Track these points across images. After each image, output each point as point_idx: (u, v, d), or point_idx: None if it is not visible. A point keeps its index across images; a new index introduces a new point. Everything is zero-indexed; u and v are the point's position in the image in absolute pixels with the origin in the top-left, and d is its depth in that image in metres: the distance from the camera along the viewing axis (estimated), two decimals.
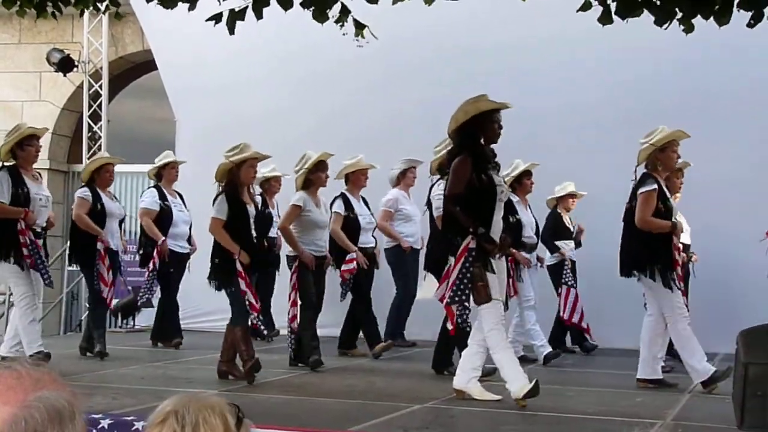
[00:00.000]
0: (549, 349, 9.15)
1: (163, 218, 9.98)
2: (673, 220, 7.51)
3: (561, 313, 9.87)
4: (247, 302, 7.59)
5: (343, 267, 9.31)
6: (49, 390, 1.59)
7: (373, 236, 9.83)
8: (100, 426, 5.19)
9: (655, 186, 7.38)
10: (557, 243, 10.00)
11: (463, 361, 6.83)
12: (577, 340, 10.36)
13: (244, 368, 7.68)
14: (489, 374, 7.12)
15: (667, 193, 7.58)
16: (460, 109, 6.74)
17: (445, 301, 6.65)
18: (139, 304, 10.02)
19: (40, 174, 8.72)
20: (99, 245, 8.94)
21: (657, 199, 7.37)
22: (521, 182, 9.20)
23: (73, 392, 1.64)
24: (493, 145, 6.84)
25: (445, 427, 5.87)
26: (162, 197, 10.07)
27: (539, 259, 9.51)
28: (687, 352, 7.38)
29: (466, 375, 6.75)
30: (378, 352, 9.46)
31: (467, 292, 6.50)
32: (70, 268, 12.37)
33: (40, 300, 8.76)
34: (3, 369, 1.60)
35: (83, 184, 9.41)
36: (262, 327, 8.28)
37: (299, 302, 8.53)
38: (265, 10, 6.85)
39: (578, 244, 10.16)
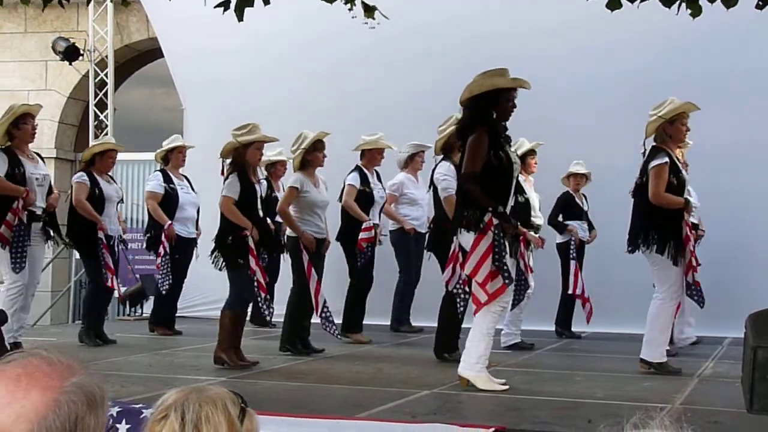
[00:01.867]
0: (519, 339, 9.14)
1: (169, 202, 9.93)
2: (686, 194, 7.43)
3: (571, 290, 9.79)
4: (255, 282, 7.53)
5: (361, 235, 9.35)
6: (80, 376, 1.63)
7: (379, 214, 9.84)
8: (108, 413, 5.20)
9: (667, 159, 7.24)
10: (567, 222, 10.00)
11: (467, 350, 6.76)
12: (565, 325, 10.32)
13: (217, 352, 7.70)
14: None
15: (679, 166, 7.45)
16: (476, 82, 6.64)
17: (478, 279, 6.47)
18: (164, 292, 9.96)
19: (38, 154, 8.64)
20: (100, 234, 8.94)
21: (669, 173, 7.24)
22: (525, 161, 9.13)
23: (101, 377, 1.69)
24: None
25: (453, 412, 5.87)
26: (167, 180, 10.03)
27: (541, 240, 9.42)
28: (657, 330, 7.34)
29: (471, 362, 6.68)
30: (350, 340, 9.53)
31: (504, 265, 6.38)
32: (78, 257, 12.40)
33: (38, 285, 8.67)
34: (33, 357, 1.63)
35: (82, 165, 9.36)
36: (266, 311, 8.14)
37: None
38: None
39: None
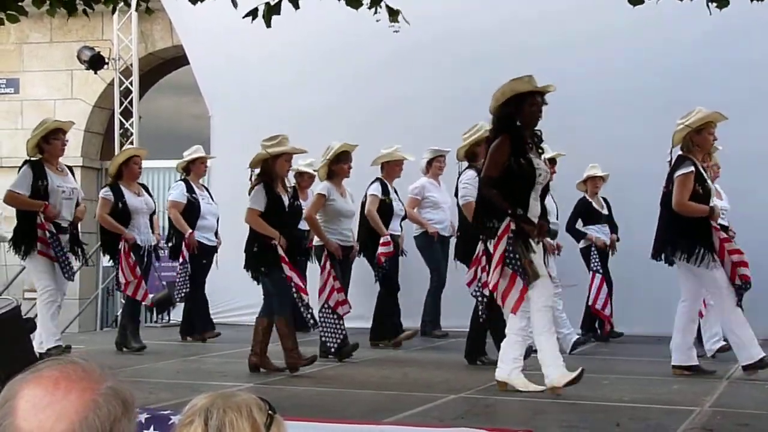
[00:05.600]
0: (576, 336, 9.12)
1: (191, 211, 10.04)
2: (712, 203, 7.42)
3: (591, 301, 9.87)
4: (293, 286, 7.54)
5: (380, 249, 9.36)
6: (113, 380, 1.69)
7: (400, 225, 9.88)
8: (137, 420, 5.22)
9: (692, 168, 7.24)
10: (585, 228, 10.01)
11: (504, 352, 6.75)
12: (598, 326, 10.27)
13: (290, 360, 7.66)
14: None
15: (705, 175, 7.44)
16: (500, 89, 6.72)
17: (499, 288, 6.54)
18: (177, 300, 10.07)
19: (69, 168, 8.73)
20: (121, 243, 9.00)
21: (694, 182, 7.22)
22: None
23: (129, 383, 1.74)
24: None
25: (481, 417, 5.86)
26: (190, 190, 10.13)
27: (557, 246, 9.43)
28: (739, 329, 7.19)
29: (507, 366, 6.66)
30: (399, 341, 9.54)
31: (520, 268, 6.43)
32: (105, 265, 12.46)
33: (64, 296, 8.74)
34: (66, 364, 1.68)
35: (110, 179, 9.45)
36: (308, 316, 7.90)
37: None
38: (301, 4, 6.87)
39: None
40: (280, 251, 7.56)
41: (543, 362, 6.54)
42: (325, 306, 8.39)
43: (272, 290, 7.72)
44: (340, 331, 8.42)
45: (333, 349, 8.47)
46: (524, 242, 6.48)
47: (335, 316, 8.39)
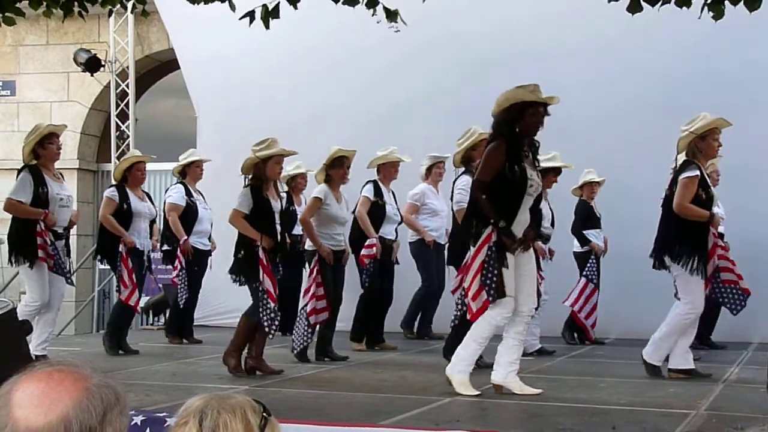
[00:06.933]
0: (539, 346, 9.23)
1: (189, 215, 10.04)
2: (713, 210, 7.43)
3: (571, 302, 9.84)
4: (263, 290, 7.52)
5: (363, 252, 9.37)
6: (102, 376, 1.77)
7: (395, 230, 9.87)
8: (133, 422, 5.20)
9: (698, 173, 7.25)
10: (587, 234, 9.97)
11: (500, 356, 6.76)
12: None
13: (226, 356, 7.77)
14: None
15: (709, 182, 7.46)
16: (504, 94, 6.70)
17: (470, 294, 6.57)
18: (182, 307, 10.07)
19: (62, 174, 8.74)
20: (121, 247, 9.02)
21: (698, 187, 7.24)
22: (546, 176, 9.12)
23: (122, 384, 1.83)
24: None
25: (477, 420, 5.86)
26: (188, 194, 10.13)
27: (549, 252, 9.40)
28: (667, 338, 7.40)
29: (503, 369, 6.69)
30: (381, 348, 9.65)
31: (493, 282, 6.44)
32: (101, 267, 12.46)
33: (62, 298, 8.72)
34: (58, 364, 1.77)
35: (115, 183, 9.47)
36: (266, 322, 7.63)
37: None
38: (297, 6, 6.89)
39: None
40: (261, 254, 7.55)
41: (455, 360, 6.72)
42: (303, 309, 8.44)
43: (252, 296, 7.73)
44: (307, 338, 8.49)
45: (295, 351, 8.54)
46: (502, 256, 6.46)
47: (308, 322, 8.43)
